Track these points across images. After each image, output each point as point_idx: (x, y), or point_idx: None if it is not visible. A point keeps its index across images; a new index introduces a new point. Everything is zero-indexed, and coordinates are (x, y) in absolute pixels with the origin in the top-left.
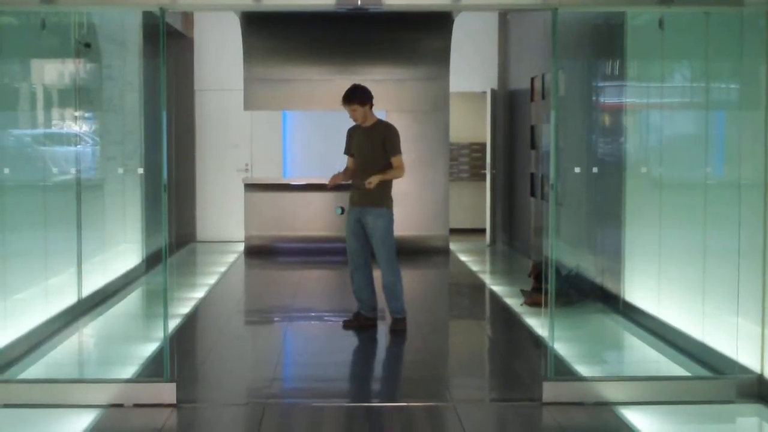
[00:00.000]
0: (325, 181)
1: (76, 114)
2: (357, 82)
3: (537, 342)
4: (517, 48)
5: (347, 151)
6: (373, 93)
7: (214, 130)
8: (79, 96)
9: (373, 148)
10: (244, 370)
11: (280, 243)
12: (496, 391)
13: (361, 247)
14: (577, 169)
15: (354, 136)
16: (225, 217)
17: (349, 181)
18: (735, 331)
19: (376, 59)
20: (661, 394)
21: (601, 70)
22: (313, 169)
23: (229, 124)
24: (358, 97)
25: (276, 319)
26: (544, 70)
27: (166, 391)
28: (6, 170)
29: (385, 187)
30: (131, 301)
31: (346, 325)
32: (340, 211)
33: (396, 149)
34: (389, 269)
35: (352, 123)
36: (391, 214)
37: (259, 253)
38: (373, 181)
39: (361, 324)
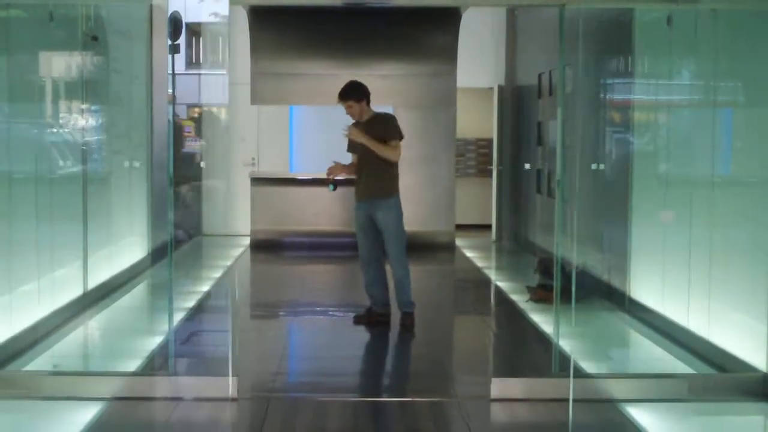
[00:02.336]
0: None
1: (83, 107)
2: (353, 78)
3: (542, 338)
4: (525, 44)
5: (350, 149)
6: (380, 88)
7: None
8: (86, 89)
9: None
10: (249, 364)
11: (286, 237)
12: (500, 387)
13: (372, 243)
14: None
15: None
16: (231, 211)
17: (353, 176)
18: (741, 329)
19: (383, 54)
20: (665, 391)
21: (608, 66)
22: (320, 164)
23: (236, 118)
24: (353, 93)
25: (281, 313)
26: (552, 67)
27: (171, 385)
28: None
29: (391, 177)
30: (136, 294)
31: (358, 320)
32: (332, 187)
33: (396, 134)
34: (400, 263)
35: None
36: (400, 204)
37: (265, 247)
38: (356, 135)
39: (373, 320)
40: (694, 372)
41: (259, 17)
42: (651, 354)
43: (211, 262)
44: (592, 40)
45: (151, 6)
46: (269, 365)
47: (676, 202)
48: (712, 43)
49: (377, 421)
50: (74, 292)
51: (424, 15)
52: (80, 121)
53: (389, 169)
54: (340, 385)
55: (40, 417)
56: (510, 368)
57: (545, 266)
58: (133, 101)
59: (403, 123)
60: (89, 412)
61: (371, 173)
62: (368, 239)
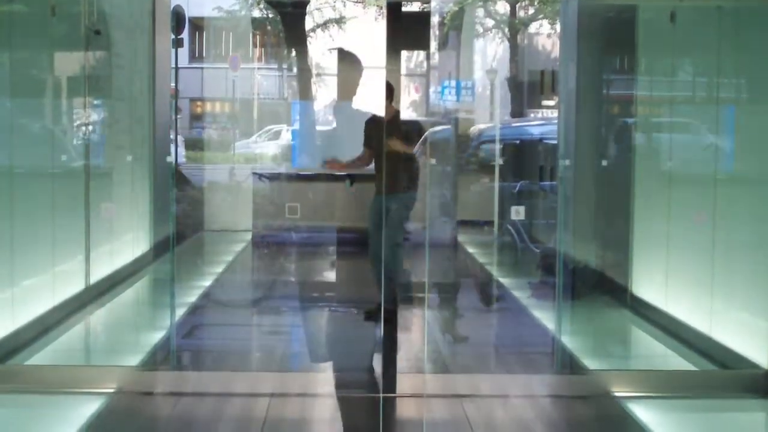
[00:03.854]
0: (333, 171)
1: (85, 101)
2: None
3: (544, 335)
4: (528, 39)
5: (367, 143)
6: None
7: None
8: (88, 83)
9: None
10: (250, 360)
11: (289, 232)
12: (503, 385)
13: (381, 238)
14: (567, 162)
15: (373, 129)
16: (233, 206)
17: (355, 171)
18: (743, 326)
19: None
20: (667, 387)
21: (611, 63)
22: (323, 159)
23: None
24: (393, 93)
25: (284, 309)
26: (555, 63)
27: (173, 380)
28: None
29: (413, 172)
30: (138, 288)
31: (368, 317)
32: (349, 183)
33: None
34: (394, 256)
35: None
36: (415, 200)
37: (267, 242)
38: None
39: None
40: (696, 369)
41: None
42: (653, 350)
43: (213, 257)
44: (595, 37)
45: (153, 0)
46: (271, 362)
47: (679, 199)
48: (717, 39)
49: (370, 416)
50: (76, 286)
51: None
52: (83, 115)
53: (411, 165)
54: (341, 381)
55: (45, 411)
56: (514, 365)
57: (547, 263)
58: (135, 95)
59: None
60: (90, 406)
61: (391, 168)
62: (378, 234)
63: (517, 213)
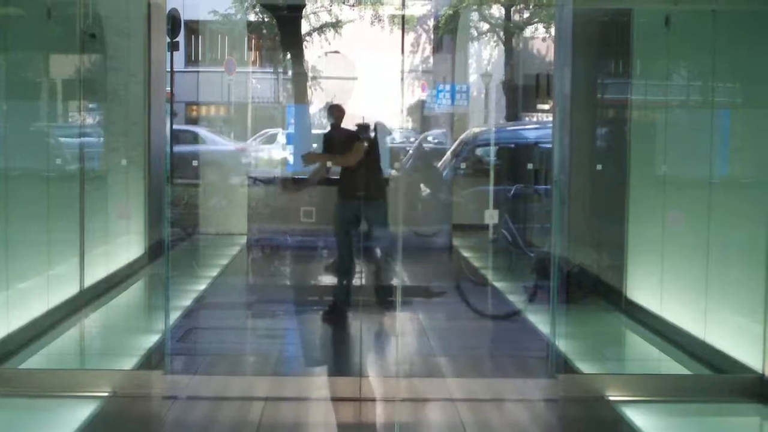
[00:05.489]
0: (329, 175)
1: (80, 104)
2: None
3: (539, 338)
4: (524, 44)
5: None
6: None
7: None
8: (83, 87)
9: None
10: (245, 363)
11: (283, 236)
12: (498, 389)
13: (351, 241)
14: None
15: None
16: (228, 210)
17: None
18: (737, 330)
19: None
20: (661, 391)
21: (606, 67)
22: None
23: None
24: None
25: (278, 312)
26: (550, 67)
27: (165, 383)
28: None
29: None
30: (133, 292)
31: (325, 318)
32: None
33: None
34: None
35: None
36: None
37: (261, 246)
38: None
39: (339, 315)
40: (690, 372)
41: None
42: (647, 354)
43: (208, 261)
44: (590, 41)
45: (149, 3)
46: (266, 365)
47: (673, 203)
48: (712, 43)
49: (364, 420)
50: (71, 290)
51: None
52: (78, 118)
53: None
54: (335, 386)
55: (39, 414)
56: (510, 369)
57: (542, 267)
58: (131, 99)
59: None
60: (84, 409)
61: (364, 173)
62: (348, 238)
63: (492, 217)
